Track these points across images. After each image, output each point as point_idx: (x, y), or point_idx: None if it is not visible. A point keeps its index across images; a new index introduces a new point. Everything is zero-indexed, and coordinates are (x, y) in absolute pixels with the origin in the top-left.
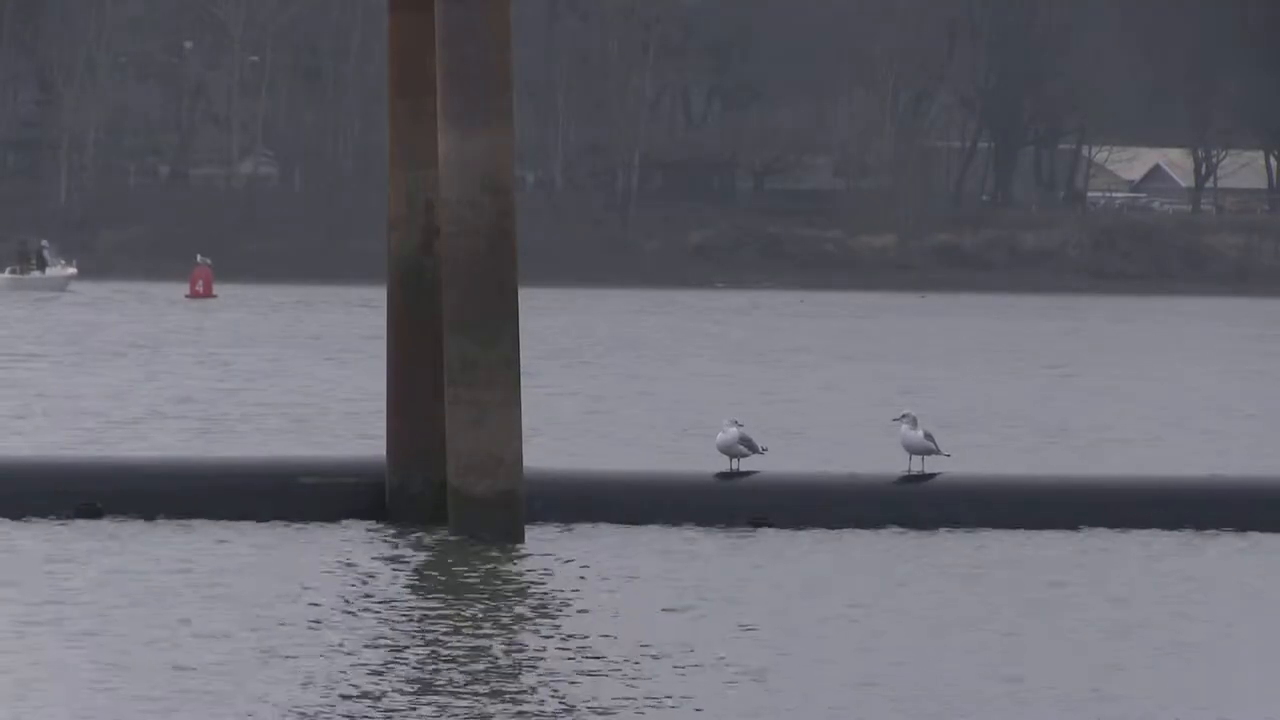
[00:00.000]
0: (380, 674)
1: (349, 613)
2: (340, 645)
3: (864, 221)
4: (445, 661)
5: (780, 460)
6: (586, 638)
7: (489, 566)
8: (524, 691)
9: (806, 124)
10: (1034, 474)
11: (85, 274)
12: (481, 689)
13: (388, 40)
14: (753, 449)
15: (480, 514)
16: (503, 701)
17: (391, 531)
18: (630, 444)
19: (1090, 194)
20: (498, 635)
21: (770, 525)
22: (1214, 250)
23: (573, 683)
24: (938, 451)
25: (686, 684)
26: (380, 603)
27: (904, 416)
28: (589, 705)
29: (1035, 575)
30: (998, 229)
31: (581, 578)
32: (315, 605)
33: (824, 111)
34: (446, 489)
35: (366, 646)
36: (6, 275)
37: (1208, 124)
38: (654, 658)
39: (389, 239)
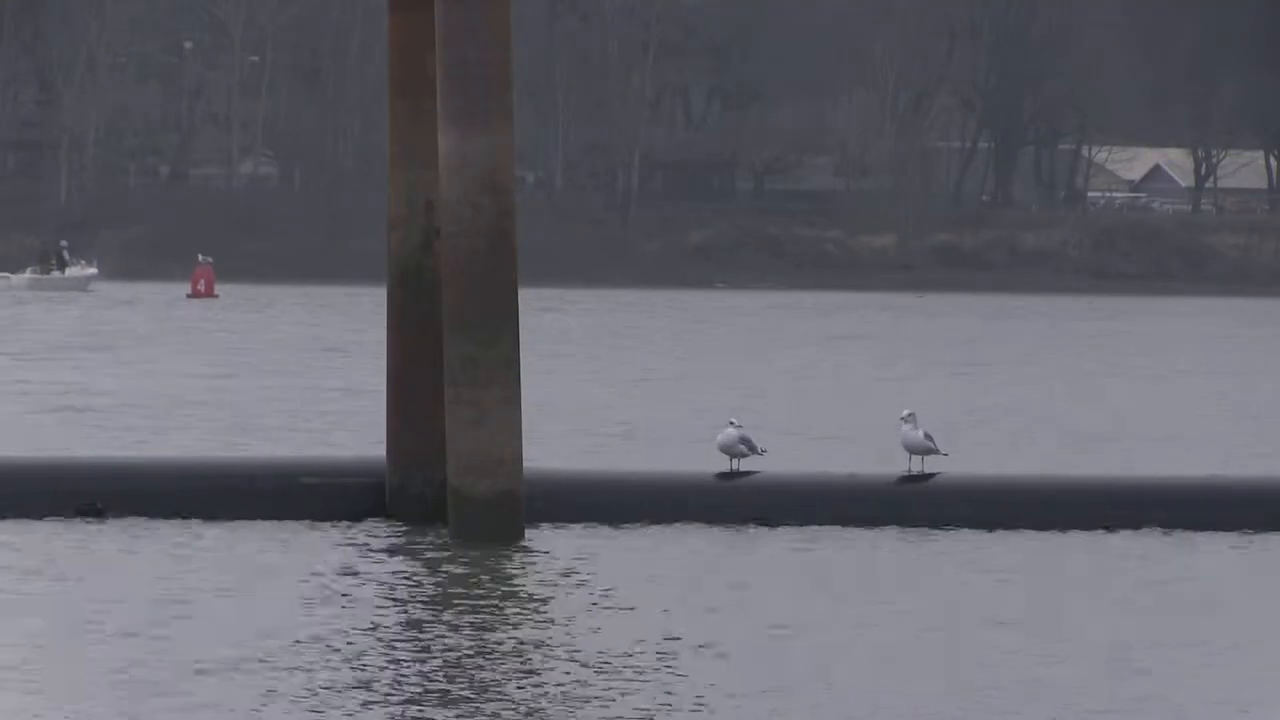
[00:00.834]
0: (380, 674)
1: (348, 613)
2: (340, 645)
3: (864, 221)
4: (445, 662)
5: (777, 460)
6: (587, 638)
7: (489, 566)
8: (525, 692)
9: (806, 124)
10: (1034, 474)
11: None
12: (482, 689)
13: (388, 40)
14: (753, 449)
15: (480, 514)
16: (503, 702)
17: (392, 532)
18: (629, 444)
19: (1090, 194)
20: (498, 635)
21: (770, 525)
22: (1214, 250)
23: (573, 683)
24: (938, 451)
25: (687, 684)
26: (380, 603)
27: (907, 416)
28: (589, 705)
29: (1036, 575)
30: (998, 229)
31: (581, 578)
32: (315, 605)
33: (824, 111)
34: (446, 489)
35: (366, 646)
36: (27, 275)
37: (1208, 124)
38: (654, 658)
39: (389, 239)
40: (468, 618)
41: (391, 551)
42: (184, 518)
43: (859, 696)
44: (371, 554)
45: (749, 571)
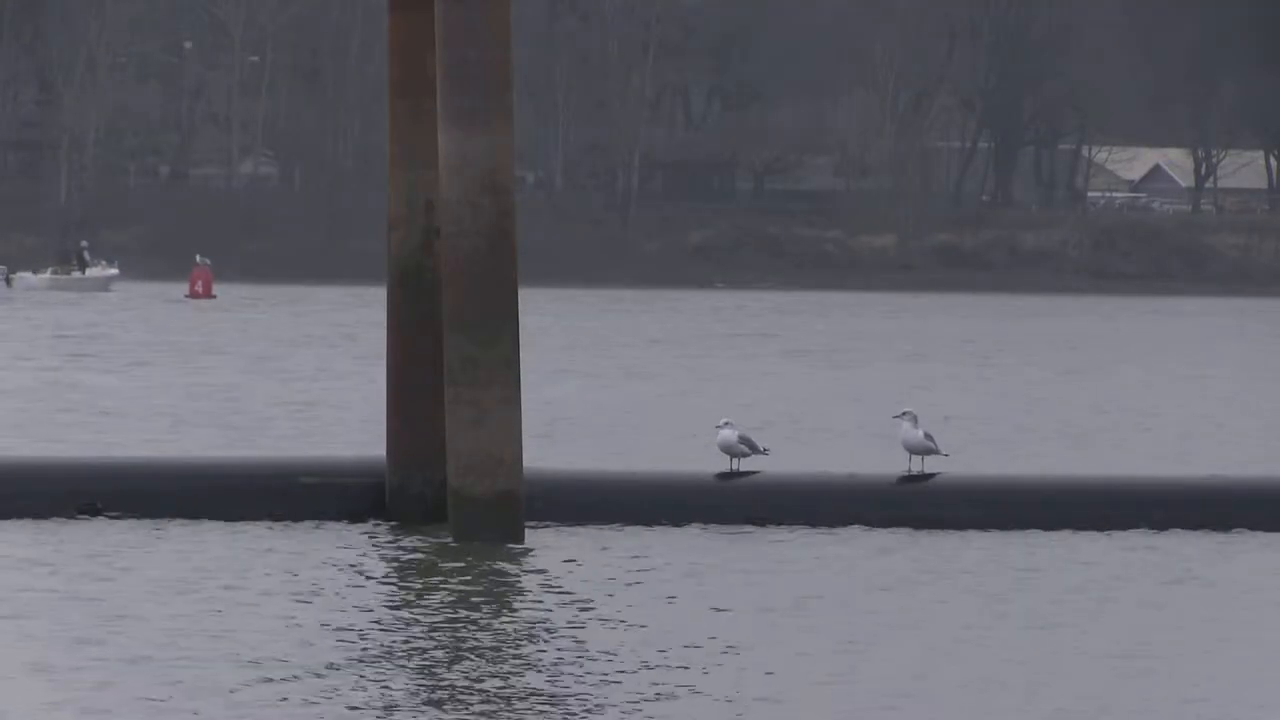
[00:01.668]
0: (380, 674)
1: (348, 613)
2: (339, 646)
3: (864, 221)
4: (445, 662)
5: (779, 460)
6: (587, 638)
7: (489, 567)
8: (525, 692)
9: (806, 124)
10: (1034, 474)
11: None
12: (482, 690)
13: (388, 40)
14: (753, 449)
15: (480, 514)
16: (503, 702)
17: (391, 532)
18: (629, 444)
19: (1090, 194)
20: (498, 636)
21: (770, 525)
22: (1214, 250)
23: (574, 683)
24: (938, 451)
25: (688, 684)
26: (380, 603)
27: (904, 414)
28: (590, 705)
29: (1036, 576)
30: (998, 229)
31: (582, 578)
32: (315, 606)
33: (824, 111)
34: (446, 489)
35: (366, 647)
36: (48, 275)
37: (1208, 124)
38: (655, 657)
39: (389, 239)
40: (467, 618)
41: (391, 552)
42: (183, 517)
43: (860, 696)
44: (371, 554)
45: (750, 571)
